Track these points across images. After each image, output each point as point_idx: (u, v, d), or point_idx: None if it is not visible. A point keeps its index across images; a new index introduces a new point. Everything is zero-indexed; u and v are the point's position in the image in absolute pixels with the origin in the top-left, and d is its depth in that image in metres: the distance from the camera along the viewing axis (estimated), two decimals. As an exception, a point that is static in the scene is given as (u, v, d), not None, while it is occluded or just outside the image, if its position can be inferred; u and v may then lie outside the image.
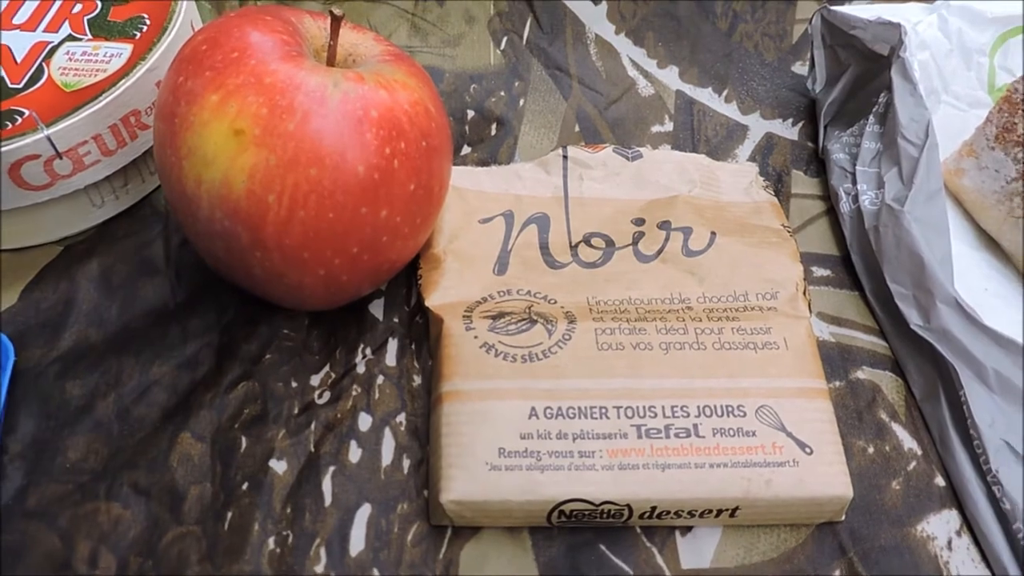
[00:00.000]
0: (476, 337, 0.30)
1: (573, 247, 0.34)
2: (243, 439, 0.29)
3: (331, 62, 0.30)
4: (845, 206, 0.36)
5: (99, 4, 0.35)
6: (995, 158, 0.34)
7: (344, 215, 0.27)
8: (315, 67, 0.27)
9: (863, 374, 0.32)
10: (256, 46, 0.27)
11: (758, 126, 0.40)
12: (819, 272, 0.35)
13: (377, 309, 0.33)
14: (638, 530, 0.29)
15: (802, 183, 0.38)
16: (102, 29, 0.34)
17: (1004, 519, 0.28)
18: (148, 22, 0.34)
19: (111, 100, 0.32)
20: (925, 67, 0.38)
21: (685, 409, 0.29)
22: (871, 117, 0.36)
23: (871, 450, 0.31)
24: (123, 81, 0.32)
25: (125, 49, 0.33)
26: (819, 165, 0.38)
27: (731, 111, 0.40)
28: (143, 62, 0.33)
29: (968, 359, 0.30)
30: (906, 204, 0.33)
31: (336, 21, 0.29)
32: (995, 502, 0.29)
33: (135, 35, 0.34)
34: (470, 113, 0.38)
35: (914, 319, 0.32)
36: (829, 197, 0.37)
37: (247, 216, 0.27)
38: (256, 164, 0.26)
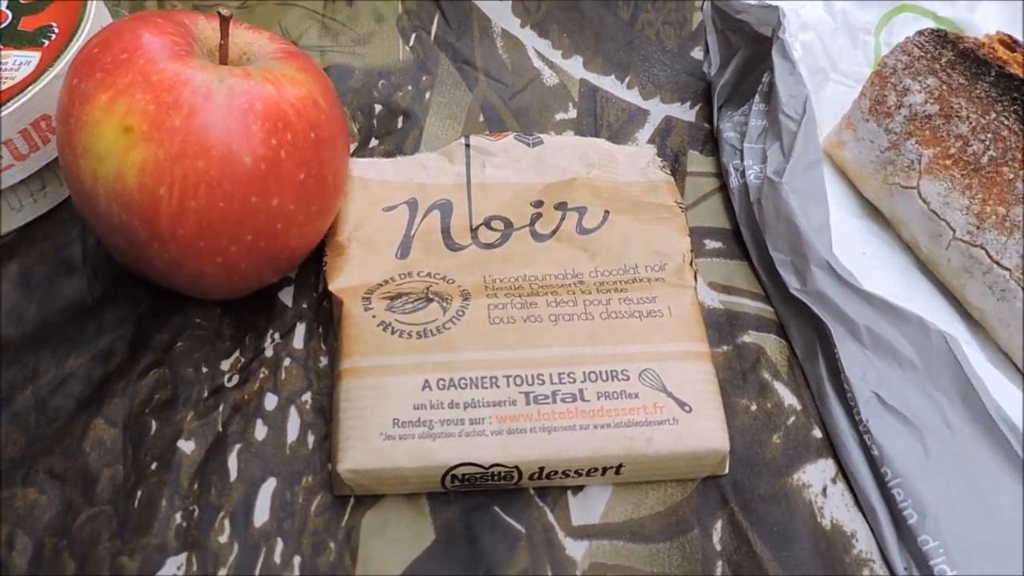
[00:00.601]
0: (374, 317, 0.32)
1: (473, 230, 0.36)
2: (153, 423, 0.31)
3: (223, 60, 0.31)
4: (734, 181, 0.38)
5: (10, 15, 0.36)
6: (869, 130, 0.36)
7: (234, 204, 0.28)
8: (203, 65, 0.29)
9: (749, 338, 0.34)
10: (146, 47, 0.29)
11: (658, 110, 0.42)
12: (711, 244, 0.37)
13: (287, 296, 0.35)
14: (531, 491, 0.30)
15: (698, 162, 0.40)
16: (12, 39, 0.35)
17: (874, 465, 0.30)
18: (57, 30, 0.36)
19: (19, 106, 0.33)
20: (810, 47, 0.40)
21: (572, 375, 0.31)
22: (757, 96, 0.38)
23: (754, 407, 0.32)
24: (31, 87, 0.34)
25: (34, 57, 0.35)
26: (714, 144, 0.40)
27: (633, 96, 0.42)
28: (51, 69, 0.34)
29: (842, 318, 0.32)
30: (784, 176, 0.35)
31: (225, 21, 0.30)
32: (866, 449, 0.31)
33: (43, 43, 0.35)
34: (378, 108, 0.40)
35: (793, 283, 0.34)
36: (721, 174, 0.39)
37: (141, 209, 0.28)
38: (146, 159, 0.27)
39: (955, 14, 0.42)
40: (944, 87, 0.34)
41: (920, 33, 0.36)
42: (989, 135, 0.33)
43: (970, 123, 0.33)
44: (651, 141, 0.40)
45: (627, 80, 0.43)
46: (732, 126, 0.39)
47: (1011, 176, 0.32)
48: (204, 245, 0.29)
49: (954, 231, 0.33)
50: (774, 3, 0.38)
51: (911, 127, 0.35)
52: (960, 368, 0.30)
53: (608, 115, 0.41)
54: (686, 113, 0.41)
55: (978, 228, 0.33)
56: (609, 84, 0.42)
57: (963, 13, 0.42)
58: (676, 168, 0.39)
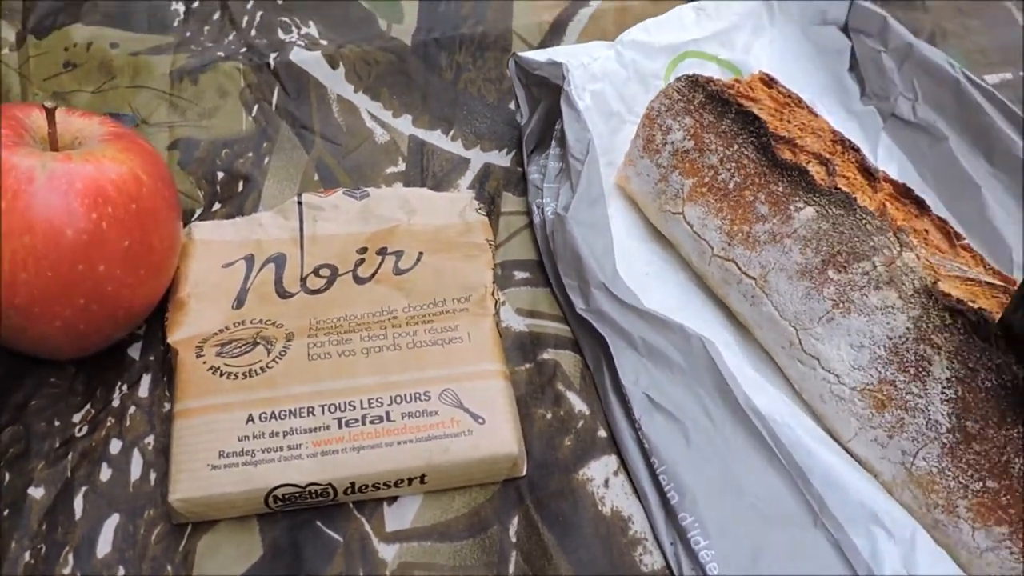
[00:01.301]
0: (205, 363, 0.36)
1: (303, 279, 0.40)
2: (7, 474, 0.34)
3: (54, 147, 0.35)
4: (537, 218, 0.42)
5: None
6: (645, 165, 0.41)
7: (61, 273, 0.33)
8: (29, 152, 0.33)
9: (548, 355, 0.39)
10: (-23, 142, 0.33)
11: (478, 158, 0.46)
12: (519, 275, 0.42)
13: (135, 350, 0.39)
14: (350, 505, 0.34)
15: (511, 202, 0.44)
16: None
17: (646, 456, 0.35)
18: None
19: None
20: (602, 95, 0.45)
21: (379, 400, 0.35)
22: (554, 141, 0.43)
23: (549, 416, 0.37)
24: None
25: None
26: (524, 186, 0.45)
27: (456, 147, 0.47)
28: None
29: (619, 331, 0.37)
30: (570, 211, 0.40)
31: (50, 113, 0.35)
32: (640, 444, 0.35)
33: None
34: (220, 174, 0.44)
35: (579, 304, 0.38)
36: (529, 212, 0.44)
37: (-22, 283, 0.32)
38: (-22, 239, 0.31)
39: (733, 56, 0.48)
40: (697, 125, 0.40)
41: (678, 79, 0.41)
42: (733, 164, 0.38)
43: (718, 155, 0.39)
44: (471, 186, 0.45)
45: (451, 133, 0.47)
46: (537, 168, 0.44)
47: (751, 198, 0.37)
48: (40, 311, 0.33)
49: (712, 248, 0.38)
50: (560, 60, 0.43)
51: (674, 161, 0.40)
52: (716, 368, 0.35)
53: (434, 165, 0.46)
54: (502, 159, 0.46)
55: (729, 245, 0.38)
56: (435, 138, 0.47)
57: (740, 55, 0.48)
58: (492, 209, 0.44)
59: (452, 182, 0.45)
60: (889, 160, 0.45)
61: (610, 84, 0.46)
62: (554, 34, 0.50)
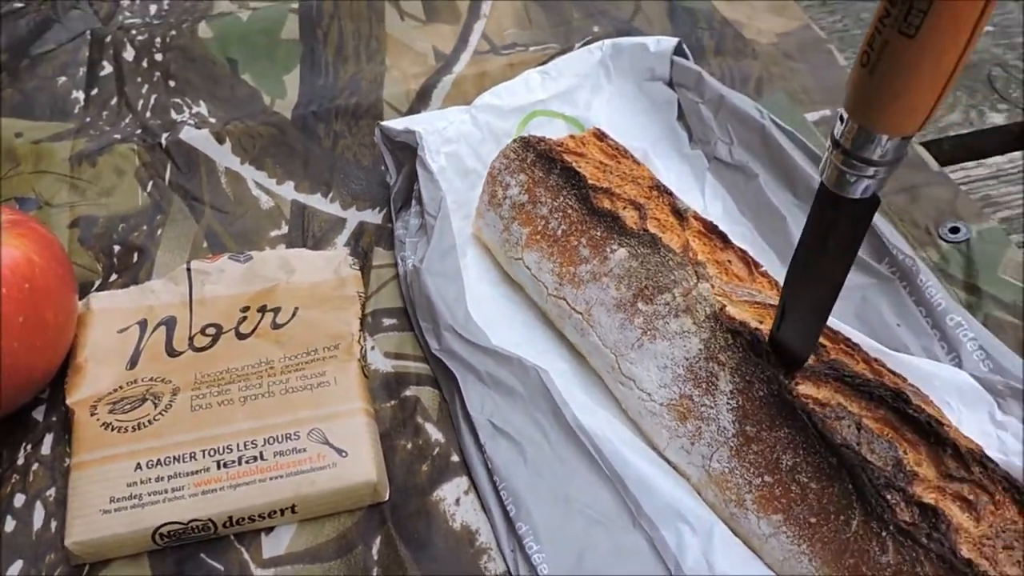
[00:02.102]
0: (98, 420, 0.41)
1: (191, 338, 0.45)
2: (-78, 530, 0.39)
3: (-47, 239, 0.40)
4: (401, 270, 0.48)
5: None
6: (491, 217, 0.47)
7: (-39, 349, 0.37)
8: (-72, 247, 0.38)
9: (410, 391, 0.44)
10: None
11: (354, 217, 0.52)
12: (388, 322, 0.47)
13: (39, 413, 0.43)
14: (231, 537, 0.39)
15: (382, 256, 0.50)
16: None
17: (491, 476, 0.40)
18: None
19: None
20: (457, 155, 0.51)
21: (254, 442, 0.40)
22: (414, 200, 0.49)
23: (409, 445, 0.42)
24: None
25: None
26: (392, 241, 0.50)
27: (335, 208, 0.52)
28: None
29: (467, 366, 0.42)
30: (424, 262, 0.45)
31: (-54, 210, 0.40)
32: (485, 465, 0.40)
33: None
34: (116, 248, 0.49)
35: (433, 345, 0.43)
36: (396, 265, 0.49)
37: None
38: None
39: (576, 112, 0.54)
40: (530, 180, 0.45)
41: (513, 141, 0.47)
42: (560, 213, 0.44)
43: (548, 206, 0.44)
44: (347, 243, 0.50)
45: (330, 195, 0.53)
46: (402, 224, 0.49)
47: (575, 243, 0.43)
48: (-56, 384, 0.38)
49: (547, 288, 0.44)
50: (414, 128, 0.49)
51: (513, 213, 0.45)
52: (550, 394, 0.41)
53: (313, 226, 0.51)
54: (376, 217, 0.52)
55: (560, 285, 0.43)
56: (315, 201, 0.52)
57: (582, 111, 0.54)
58: (365, 263, 0.49)
59: (330, 240, 0.51)
60: (715, 197, 0.51)
61: (466, 144, 0.51)
62: (420, 100, 0.56)
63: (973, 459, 0.35)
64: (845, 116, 0.28)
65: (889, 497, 0.33)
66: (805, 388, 0.37)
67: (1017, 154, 0.56)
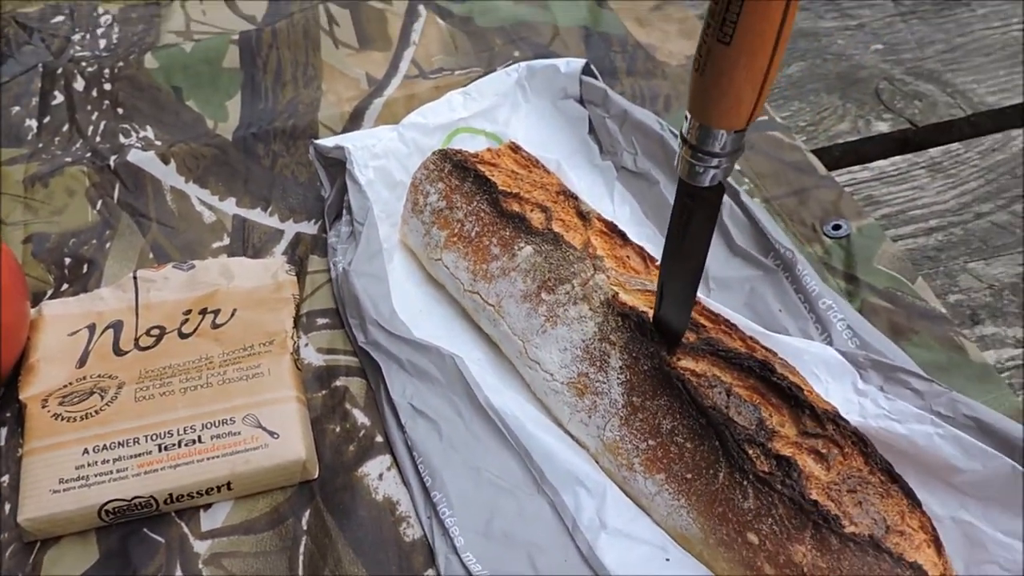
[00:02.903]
0: (49, 411, 0.44)
1: (136, 339, 0.49)
2: None
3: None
4: (333, 273, 0.52)
5: None
6: (414, 223, 0.51)
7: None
8: None
9: (340, 382, 0.48)
10: None
11: (291, 228, 0.56)
12: (321, 321, 0.51)
13: (-6, 410, 0.47)
14: (172, 514, 0.43)
15: (316, 263, 0.54)
16: None
17: (411, 453, 0.44)
18: None
19: None
20: (384, 169, 0.55)
21: (193, 427, 0.44)
22: (344, 210, 0.53)
23: (338, 429, 0.46)
24: None
25: None
26: (326, 249, 0.54)
27: (273, 221, 0.56)
28: None
29: (391, 357, 0.46)
30: (352, 265, 0.49)
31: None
32: (406, 443, 0.44)
33: None
34: (68, 260, 0.53)
35: (360, 339, 0.48)
36: (329, 270, 0.53)
37: None
38: None
39: (496, 128, 0.58)
40: (447, 188, 0.50)
41: (433, 153, 0.51)
42: (474, 217, 0.48)
43: (463, 211, 0.49)
44: (284, 252, 0.55)
45: (269, 209, 0.57)
46: (335, 233, 0.54)
47: (487, 243, 0.47)
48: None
49: (464, 285, 0.48)
50: (344, 144, 0.53)
51: (433, 218, 0.50)
52: (464, 378, 0.45)
53: (253, 238, 0.55)
54: (311, 228, 0.56)
55: (474, 280, 0.48)
56: (255, 215, 0.57)
57: (502, 127, 0.58)
58: (301, 269, 0.53)
59: (268, 250, 0.55)
60: (623, 202, 0.56)
61: (394, 159, 0.56)
62: (353, 121, 0.60)
63: (828, 419, 0.39)
64: (688, 116, 0.33)
65: (750, 451, 0.38)
66: (685, 362, 0.41)
67: (898, 158, 0.61)
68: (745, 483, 0.37)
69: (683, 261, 0.39)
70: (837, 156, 0.63)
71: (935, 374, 0.47)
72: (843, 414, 0.41)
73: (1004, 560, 0.38)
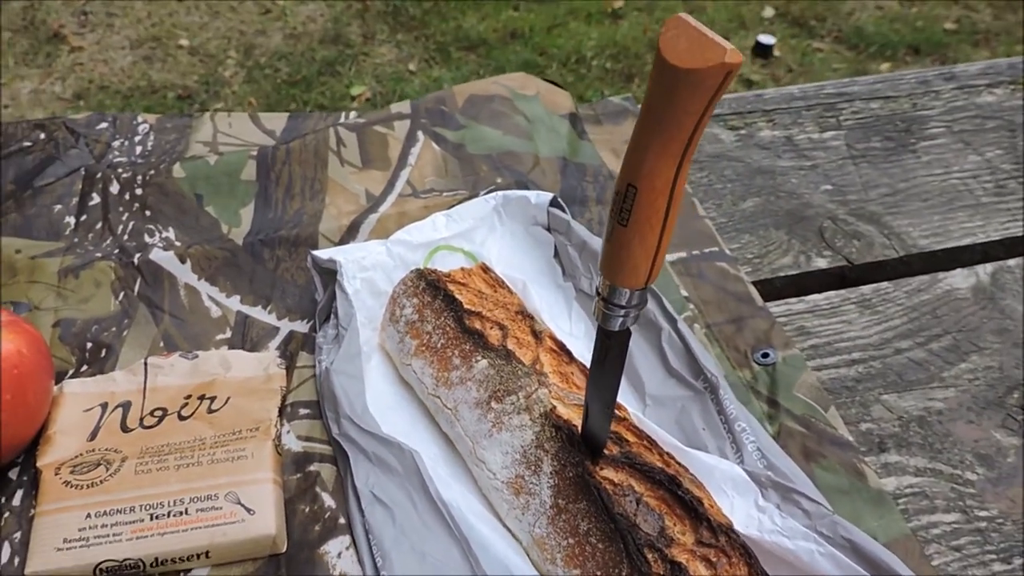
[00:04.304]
0: (60, 479, 0.51)
1: (141, 419, 0.56)
2: (-88, 562, 0.49)
3: (-40, 333, 0.52)
4: (317, 370, 0.59)
5: None
6: (390, 332, 0.59)
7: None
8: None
9: (314, 467, 0.55)
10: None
11: (286, 326, 0.63)
12: (303, 411, 0.58)
13: (14, 473, 0.54)
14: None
15: (304, 359, 0.61)
16: None
17: (367, 536, 0.50)
18: None
19: None
20: (371, 280, 0.63)
21: (181, 500, 0.51)
22: (332, 314, 0.61)
23: (307, 510, 0.52)
24: None
25: None
26: (314, 347, 0.62)
27: (271, 319, 0.64)
28: None
29: (359, 448, 0.53)
30: (334, 364, 0.57)
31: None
32: (364, 527, 0.51)
33: None
34: (89, 344, 0.61)
35: (334, 430, 0.55)
36: (315, 366, 0.60)
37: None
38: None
39: (474, 248, 0.66)
40: (420, 303, 0.57)
41: (410, 271, 0.59)
42: (440, 330, 0.56)
43: (431, 324, 0.56)
44: (278, 347, 0.62)
45: (269, 308, 0.65)
46: (323, 334, 0.61)
47: (450, 354, 0.55)
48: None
49: (428, 388, 0.55)
50: (337, 257, 0.61)
51: (407, 328, 0.57)
52: (419, 472, 0.52)
53: (252, 333, 0.63)
54: (303, 327, 0.63)
55: (437, 386, 0.55)
56: (256, 312, 0.64)
57: (478, 247, 0.66)
58: (291, 364, 0.61)
59: (264, 344, 0.62)
60: (579, 320, 0.63)
61: (380, 271, 0.64)
62: (349, 233, 0.69)
63: (722, 531, 0.46)
64: (599, 275, 0.41)
65: (649, 555, 0.44)
66: (606, 472, 0.48)
67: (832, 293, 0.69)
68: (642, 582, 0.44)
69: (601, 388, 0.46)
70: (778, 287, 0.70)
71: (837, 496, 0.54)
72: (743, 527, 0.48)
73: (866, 666, 0.44)
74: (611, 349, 0.44)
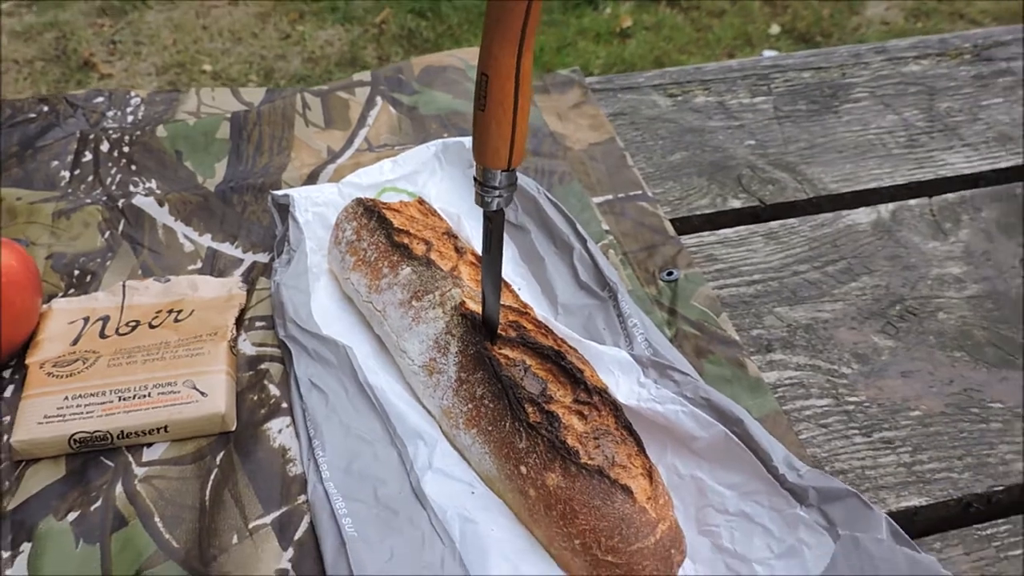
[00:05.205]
0: (44, 371, 0.60)
1: (117, 328, 0.65)
2: (-83, 436, 0.57)
3: (-38, 247, 0.61)
4: (273, 287, 0.67)
5: None
6: (335, 252, 0.67)
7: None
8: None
9: (264, 365, 0.63)
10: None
11: (250, 258, 0.72)
12: (259, 324, 0.66)
13: (7, 373, 0.62)
14: (123, 448, 0.57)
15: (263, 283, 0.69)
16: None
17: (304, 415, 0.58)
18: None
19: None
20: (323, 214, 0.71)
21: (145, 386, 0.59)
22: (286, 242, 0.69)
23: (256, 398, 0.60)
24: None
25: None
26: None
27: (238, 252, 0.73)
28: None
29: (300, 346, 0.61)
30: (284, 280, 0.65)
31: (-40, 227, 0.60)
32: (302, 409, 0.59)
33: None
34: (76, 272, 0.70)
35: (280, 333, 0.63)
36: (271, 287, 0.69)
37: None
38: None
39: (417, 188, 0.75)
40: (358, 225, 0.66)
41: (352, 200, 0.68)
42: (374, 247, 0.64)
43: (366, 242, 0.64)
44: (243, 275, 0.71)
45: (236, 243, 0.73)
46: (278, 260, 0.70)
47: (380, 265, 0.63)
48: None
49: (362, 296, 0.64)
50: (291, 194, 0.70)
51: (346, 248, 0.66)
52: (351, 363, 0.60)
53: (220, 264, 0.71)
54: (264, 258, 0.72)
55: (369, 293, 0.63)
56: (225, 247, 0.73)
57: (421, 188, 0.75)
58: (252, 287, 0.69)
59: (230, 272, 0.71)
60: (507, 248, 0.70)
61: (331, 208, 0.72)
62: (310, 180, 0.77)
63: (596, 392, 0.53)
64: (473, 160, 0.49)
65: (528, 408, 0.52)
66: (504, 350, 0.56)
67: (742, 227, 0.76)
68: (521, 429, 0.51)
69: (489, 271, 0.54)
70: (696, 224, 0.78)
71: (720, 383, 0.61)
72: (625, 399, 0.55)
73: (716, 503, 0.51)
74: (492, 232, 0.52)
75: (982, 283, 0.70)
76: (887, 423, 0.59)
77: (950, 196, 0.79)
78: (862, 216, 0.77)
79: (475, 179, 0.50)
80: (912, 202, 0.79)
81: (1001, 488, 0.56)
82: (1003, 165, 0.83)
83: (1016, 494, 0.56)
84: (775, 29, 3.02)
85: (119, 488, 0.55)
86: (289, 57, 2.99)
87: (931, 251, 0.73)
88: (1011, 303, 0.68)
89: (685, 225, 0.77)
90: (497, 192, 0.49)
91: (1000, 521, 0.54)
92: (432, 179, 0.76)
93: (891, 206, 0.78)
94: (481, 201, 0.50)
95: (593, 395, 0.53)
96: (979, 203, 0.78)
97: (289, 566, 0.51)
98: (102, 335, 0.64)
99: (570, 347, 0.57)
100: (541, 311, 0.63)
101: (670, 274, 0.69)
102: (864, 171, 0.83)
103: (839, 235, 0.75)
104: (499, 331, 0.56)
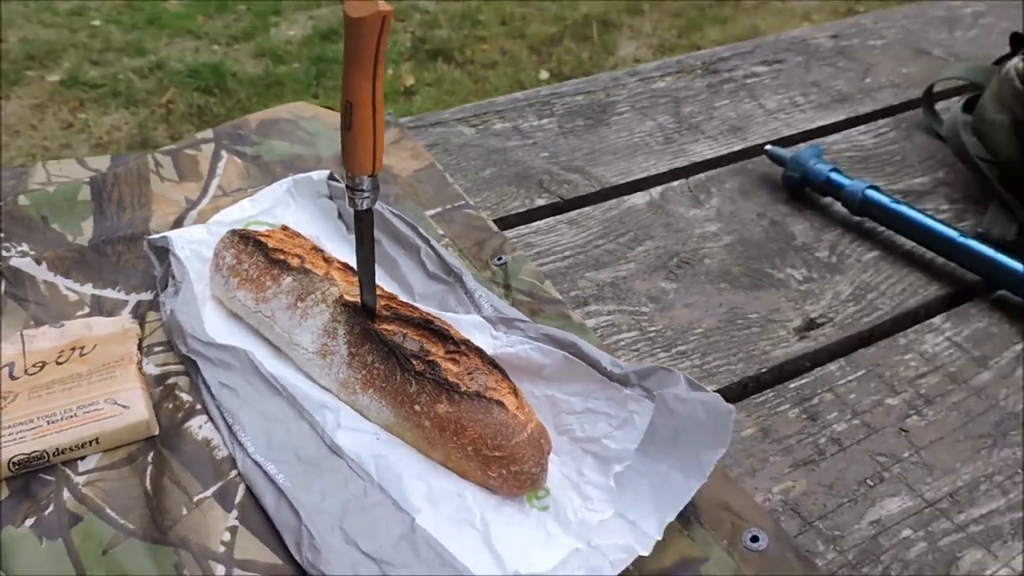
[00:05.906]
0: (-31, 411, 0.67)
1: (27, 369, 0.72)
2: None
3: None
4: (164, 317, 0.77)
5: None
6: (218, 279, 0.78)
7: None
8: None
9: (171, 380, 0.72)
10: None
11: (134, 298, 0.81)
12: (157, 349, 0.75)
13: (-74, 424, 0.68)
14: (59, 465, 0.65)
15: (152, 316, 0.78)
16: None
17: (220, 412, 0.68)
18: None
19: None
20: (198, 251, 0.82)
21: (70, 409, 0.67)
22: (169, 278, 0.79)
23: (171, 406, 0.70)
24: None
25: None
26: (159, 305, 0.79)
27: (121, 295, 0.81)
28: None
29: (204, 357, 0.71)
30: (175, 308, 0.75)
31: None
32: (218, 407, 0.69)
33: None
34: (-29, 330, 0.76)
35: (182, 349, 0.73)
36: (161, 319, 0.78)
37: None
38: None
39: (275, 221, 0.86)
40: (237, 251, 0.77)
41: (226, 232, 0.79)
42: (254, 266, 0.75)
43: (247, 263, 0.76)
44: (131, 312, 0.79)
45: (118, 288, 0.82)
46: (164, 294, 0.79)
47: (263, 280, 0.74)
48: None
49: (251, 308, 0.75)
50: (167, 235, 0.80)
51: (228, 272, 0.77)
52: (252, 363, 0.70)
53: (107, 307, 0.80)
54: (148, 296, 0.81)
55: (257, 304, 0.74)
56: (108, 292, 0.81)
57: (279, 220, 0.87)
58: (143, 322, 0.78)
59: (118, 312, 0.79)
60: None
61: (204, 245, 0.83)
62: (175, 226, 0.87)
63: (462, 343, 0.67)
64: (345, 170, 0.62)
65: (413, 361, 0.65)
66: (383, 325, 0.69)
67: (550, 219, 0.93)
68: (410, 378, 0.64)
69: (364, 262, 0.67)
70: (513, 222, 0.94)
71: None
72: (484, 348, 0.70)
73: (567, 408, 0.67)
74: (363, 229, 0.65)
75: (732, 234, 0.91)
76: (680, 340, 0.78)
77: (701, 175, 1.01)
78: (639, 199, 0.97)
79: (346, 186, 0.63)
80: (674, 183, 1.00)
81: (765, 370, 0.75)
82: (736, 148, 1.06)
83: (776, 373, 0.75)
84: (544, 75, 3.32)
85: (66, 494, 0.63)
86: (75, 145, 2.95)
87: (693, 217, 0.94)
88: (755, 246, 0.90)
89: (504, 224, 0.93)
90: (366, 194, 0.63)
91: (768, 391, 0.73)
92: (288, 211, 0.88)
93: (659, 188, 0.98)
94: (353, 203, 0.64)
95: (460, 345, 0.67)
96: (723, 178, 1.00)
97: (237, 523, 0.62)
98: (12, 377, 0.71)
99: (435, 316, 0.72)
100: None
101: (500, 259, 0.85)
102: (635, 165, 1.03)
103: (624, 215, 0.94)
104: (377, 312, 0.70)
